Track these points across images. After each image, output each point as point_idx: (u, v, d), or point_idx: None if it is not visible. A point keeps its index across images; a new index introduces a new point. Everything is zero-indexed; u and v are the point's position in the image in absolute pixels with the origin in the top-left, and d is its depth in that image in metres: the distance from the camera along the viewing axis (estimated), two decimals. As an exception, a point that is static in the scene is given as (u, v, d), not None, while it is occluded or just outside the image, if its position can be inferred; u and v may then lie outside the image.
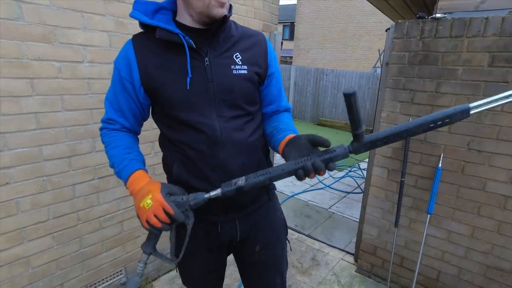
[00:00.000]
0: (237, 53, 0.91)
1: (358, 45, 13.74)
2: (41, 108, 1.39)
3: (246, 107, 0.93)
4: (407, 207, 2.05)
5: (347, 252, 2.66)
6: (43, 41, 1.33)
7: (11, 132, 1.32)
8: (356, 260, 2.49)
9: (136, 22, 1.14)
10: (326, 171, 0.76)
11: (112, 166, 0.91)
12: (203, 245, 1.01)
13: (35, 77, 1.34)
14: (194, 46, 0.84)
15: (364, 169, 4.91)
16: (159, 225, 0.79)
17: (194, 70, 0.85)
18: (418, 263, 1.98)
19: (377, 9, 3.06)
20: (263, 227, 1.05)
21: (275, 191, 1.13)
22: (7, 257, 1.42)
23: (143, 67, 0.86)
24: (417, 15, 1.85)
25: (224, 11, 0.84)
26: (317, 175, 0.76)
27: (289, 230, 2.95)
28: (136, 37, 0.89)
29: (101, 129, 0.97)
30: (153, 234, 0.84)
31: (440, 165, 1.86)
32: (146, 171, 0.90)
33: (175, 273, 2.18)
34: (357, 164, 5.31)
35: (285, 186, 4.18)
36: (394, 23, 1.95)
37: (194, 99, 0.86)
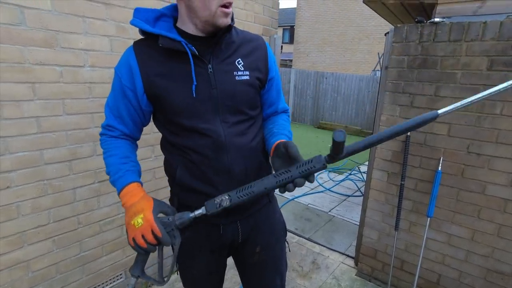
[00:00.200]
0: (239, 59, 0.92)
1: (357, 49, 13.79)
2: (42, 112, 1.40)
3: (249, 111, 0.94)
4: (407, 210, 2.05)
5: (348, 256, 2.66)
6: (45, 46, 1.34)
7: (13, 136, 1.33)
8: (356, 264, 2.49)
9: (137, 27, 1.14)
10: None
11: (108, 173, 0.92)
12: (205, 246, 1.02)
13: (37, 82, 1.35)
14: (197, 53, 0.85)
15: (364, 172, 4.91)
16: (144, 246, 0.80)
17: (198, 77, 0.86)
18: (419, 267, 1.98)
19: (376, 13, 3.08)
20: (263, 228, 1.06)
21: (274, 194, 1.14)
22: (7, 261, 1.42)
23: (145, 75, 0.87)
24: (416, 20, 1.87)
25: (229, 21, 0.85)
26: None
27: (289, 234, 2.97)
28: (137, 44, 0.89)
29: (100, 134, 0.98)
30: (141, 256, 0.84)
31: (439, 168, 1.86)
32: (141, 184, 0.90)
33: (175, 276, 2.18)
34: (357, 167, 5.31)
35: (285, 189, 4.17)
36: (393, 27, 1.96)
37: (198, 106, 0.87)
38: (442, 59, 1.79)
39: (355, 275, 2.40)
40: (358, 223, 2.62)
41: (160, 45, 0.83)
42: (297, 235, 2.99)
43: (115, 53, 1.59)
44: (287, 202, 3.79)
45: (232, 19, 0.89)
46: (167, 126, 0.93)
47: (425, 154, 1.94)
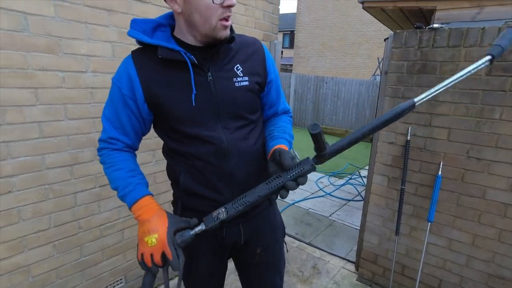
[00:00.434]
0: (238, 65, 0.93)
1: (357, 53, 13.86)
2: (44, 117, 1.41)
3: (249, 116, 0.95)
4: (408, 215, 2.05)
5: (348, 261, 2.65)
6: (47, 51, 1.35)
7: (15, 140, 1.34)
8: (357, 269, 2.48)
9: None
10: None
11: (115, 189, 0.90)
12: (207, 249, 1.03)
13: (39, 87, 1.36)
14: (196, 62, 0.85)
15: (364, 177, 4.91)
16: (149, 265, 0.80)
17: (198, 86, 0.87)
18: (419, 272, 1.97)
19: (375, 19, 3.11)
20: (264, 230, 1.08)
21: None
22: (8, 266, 1.42)
23: (145, 84, 0.87)
24: (415, 25, 1.88)
25: (228, 32, 0.86)
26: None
27: (290, 238, 2.96)
28: (135, 54, 0.90)
29: (100, 149, 0.95)
30: (148, 279, 0.83)
31: (440, 173, 1.87)
32: (152, 196, 0.90)
33: (176, 281, 2.17)
34: (357, 172, 5.31)
35: (285, 194, 4.17)
36: (392, 33, 1.98)
37: (199, 114, 0.88)
38: (441, 64, 1.81)
39: (356, 280, 2.39)
40: (358, 228, 2.61)
41: (160, 56, 0.83)
42: (298, 240, 2.98)
43: (117, 58, 1.61)
44: (287, 207, 3.79)
45: (232, 30, 0.89)
46: (170, 133, 0.93)
47: (425, 159, 1.94)
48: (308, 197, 4.16)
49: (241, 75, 0.92)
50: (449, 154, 1.85)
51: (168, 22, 0.92)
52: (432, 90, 0.77)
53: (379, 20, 3.10)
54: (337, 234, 3.17)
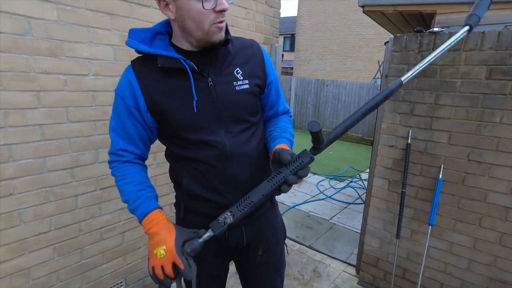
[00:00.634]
0: (237, 68, 0.93)
1: (358, 56, 13.90)
2: (46, 120, 1.42)
3: (251, 119, 0.96)
4: (409, 218, 2.05)
5: (349, 264, 2.64)
6: (50, 55, 1.36)
7: (16, 143, 1.34)
8: (358, 272, 2.47)
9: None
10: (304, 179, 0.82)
11: (125, 202, 0.91)
12: (210, 251, 1.03)
13: (41, 90, 1.37)
14: (196, 68, 0.86)
15: (365, 180, 4.90)
16: (161, 277, 0.80)
17: (199, 91, 0.87)
18: (421, 275, 1.97)
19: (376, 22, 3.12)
20: (266, 232, 1.09)
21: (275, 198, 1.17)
22: (8, 269, 1.42)
23: (147, 93, 0.87)
24: (415, 29, 1.89)
25: (223, 35, 0.86)
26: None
27: (290, 242, 2.95)
28: (135, 63, 0.90)
29: (110, 162, 0.96)
30: None
31: (440, 176, 1.87)
32: (161, 209, 0.91)
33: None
34: (358, 175, 5.30)
35: (286, 197, 4.17)
36: (392, 36, 1.99)
37: (202, 120, 0.89)
38: (441, 68, 1.81)
39: (357, 283, 2.38)
40: (359, 231, 2.61)
41: (159, 65, 0.84)
42: (298, 243, 2.97)
43: (119, 62, 1.62)
44: (288, 210, 3.78)
45: (227, 32, 0.89)
46: (173, 140, 0.94)
47: (425, 162, 1.94)
48: (309, 200, 4.15)
49: (241, 78, 0.93)
50: (450, 158, 1.85)
51: (165, 29, 0.93)
52: (417, 67, 0.82)
53: (379, 24, 3.12)
54: (338, 237, 3.16)
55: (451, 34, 1.75)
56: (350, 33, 13.94)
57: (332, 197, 4.29)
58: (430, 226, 1.91)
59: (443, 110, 1.84)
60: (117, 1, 1.55)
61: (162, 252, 0.80)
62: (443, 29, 1.81)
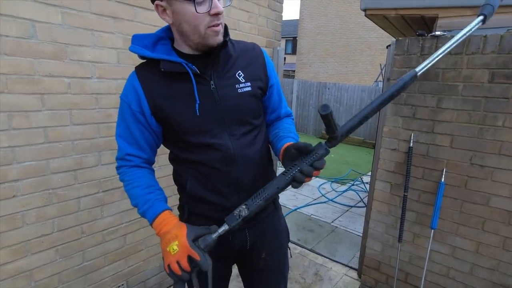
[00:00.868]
0: (239, 71, 0.94)
1: (359, 59, 13.92)
2: (49, 123, 1.43)
3: (253, 121, 0.97)
4: (411, 222, 2.04)
5: (351, 268, 2.63)
6: (54, 58, 1.38)
7: (20, 145, 1.35)
8: (359, 276, 2.46)
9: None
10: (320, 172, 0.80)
11: (135, 205, 0.92)
12: (213, 253, 1.03)
13: (46, 93, 1.38)
14: (198, 72, 0.87)
15: (367, 183, 4.89)
16: (179, 272, 0.80)
17: (202, 95, 0.88)
18: (423, 280, 1.96)
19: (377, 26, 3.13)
20: (269, 235, 1.09)
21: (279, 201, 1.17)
22: (10, 270, 1.43)
23: (151, 98, 0.89)
24: (417, 33, 1.90)
25: (220, 38, 0.86)
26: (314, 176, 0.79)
27: (291, 245, 2.94)
28: (139, 69, 0.92)
29: (118, 167, 0.97)
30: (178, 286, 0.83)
31: (443, 179, 1.86)
32: (171, 210, 0.91)
33: None
34: (360, 178, 5.29)
35: (287, 200, 4.16)
36: (394, 40, 1.99)
37: (205, 123, 0.89)
38: (443, 71, 1.81)
39: (359, 287, 2.37)
40: (361, 234, 2.60)
41: (162, 69, 0.85)
42: (300, 246, 2.97)
43: (122, 65, 1.63)
44: (289, 213, 3.78)
45: (227, 34, 0.90)
46: (177, 143, 0.95)
47: (428, 166, 1.94)
48: (310, 203, 4.14)
49: (243, 81, 0.94)
50: (452, 161, 1.85)
51: (168, 34, 0.94)
52: (431, 58, 0.79)
53: (381, 28, 3.13)
54: (340, 241, 3.15)
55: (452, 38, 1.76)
56: (352, 36, 13.96)
57: (334, 200, 4.28)
58: (433, 230, 1.91)
59: (445, 114, 1.84)
60: (121, 5, 1.56)
61: (175, 247, 0.80)
62: (445, 33, 1.81)
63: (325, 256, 2.80)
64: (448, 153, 1.86)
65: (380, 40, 12.75)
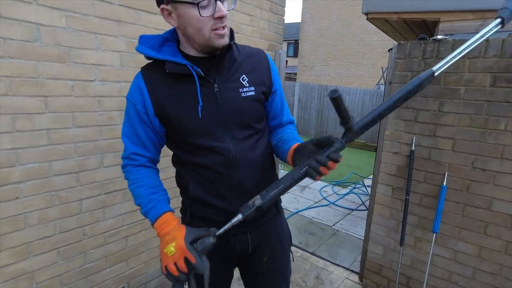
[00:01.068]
0: (243, 75, 0.95)
1: (361, 63, 13.92)
2: (52, 125, 1.44)
3: (256, 125, 0.97)
4: (412, 226, 2.03)
5: (352, 271, 2.62)
6: (58, 61, 1.39)
7: (23, 147, 1.36)
8: (361, 279, 2.45)
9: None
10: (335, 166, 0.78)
11: (138, 205, 0.93)
12: (215, 257, 1.03)
13: (49, 95, 1.39)
14: (203, 74, 0.88)
15: (368, 186, 4.88)
16: (176, 273, 0.80)
17: (205, 97, 0.89)
18: (425, 284, 1.95)
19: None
20: (271, 238, 1.08)
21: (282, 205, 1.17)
22: (12, 272, 1.43)
23: (155, 98, 0.90)
24: (419, 36, 1.90)
25: (226, 40, 0.87)
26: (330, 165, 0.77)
27: (293, 248, 2.93)
28: (145, 70, 0.93)
29: (123, 166, 0.99)
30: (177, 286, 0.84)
31: (444, 183, 1.86)
32: (173, 212, 0.92)
33: None
34: (361, 181, 5.28)
35: (289, 203, 4.16)
36: (396, 43, 2.00)
37: (207, 125, 0.90)
38: (445, 75, 1.82)
39: (360, 291, 2.36)
40: (362, 238, 2.59)
41: (167, 70, 0.86)
42: (301, 249, 2.96)
43: (125, 68, 1.64)
44: (291, 215, 3.77)
45: (232, 37, 0.91)
46: (180, 145, 0.95)
47: (429, 169, 1.93)
48: (312, 206, 4.14)
49: (247, 85, 0.94)
50: (454, 165, 1.85)
51: (174, 36, 0.95)
52: (449, 57, 0.76)
53: (383, 31, 3.13)
54: (341, 244, 3.14)
55: (454, 42, 1.76)
56: (354, 39, 13.98)
57: (335, 203, 4.27)
58: (434, 234, 1.90)
59: (447, 117, 1.84)
60: (125, 8, 1.58)
61: (172, 249, 0.80)
62: (447, 37, 1.82)
63: (326, 260, 2.79)
64: (450, 157, 1.86)
65: (382, 43, 12.76)
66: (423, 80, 0.75)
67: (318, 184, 5.05)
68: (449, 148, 1.85)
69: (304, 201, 4.30)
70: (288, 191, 4.58)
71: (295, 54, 19.16)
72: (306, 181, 5.16)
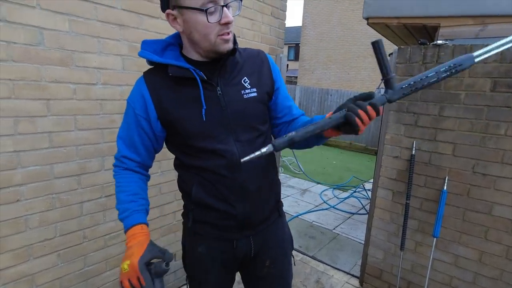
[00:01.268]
0: (245, 77, 0.96)
1: (362, 66, 13.95)
2: (54, 128, 1.44)
3: (259, 127, 0.97)
4: (413, 230, 2.03)
5: (352, 275, 2.61)
6: (60, 64, 1.40)
7: (25, 150, 1.37)
8: (361, 284, 2.44)
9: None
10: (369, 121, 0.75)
11: (117, 210, 0.94)
12: (218, 261, 1.03)
13: (51, 98, 1.40)
14: (205, 78, 0.88)
15: (368, 190, 4.87)
16: None
17: (208, 100, 0.90)
18: (425, 289, 1.94)
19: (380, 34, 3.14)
20: (273, 242, 1.08)
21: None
22: (13, 274, 1.43)
23: (158, 103, 0.90)
24: (419, 41, 1.91)
25: (230, 45, 0.88)
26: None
27: (293, 252, 2.92)
28: (147, 74, 0.94)
29: (114, 165, 1.00)
30: None
31: (445, 187, 1.86)
32: (146, 224, 0.93)
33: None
34: (362, 185, 5.27)
35: (289, 206, 4.15)
36: (396, 48, 2.01)
37: (211, 128, 0.90)
38: (445, 80, 1.82)
39: (360, 296, 2.35)
40: (363, 242, 2.58)
41: (170, 74, 0.86)
42: (301, 253, 2.95)
43: (127, 71, 1.65)
44: (291, 219, 3.76)
45: (235, 42, 0.92)
46: (183, 148, 0.96)
47: (430, 173, 1.94)
48: (312, 209, 4.13)
49: (249, 87, 0.95)
50: (454, 169, 1.85)
51: (177, 41, 0.96)
52: (493, 45, 0.74)
53: (383, 36, 3.15)
54: (341, 248, 3.13)
55: (454, 47, 1.77)
56: (355, 43, 14.02)
57: (336, 207, 4.27)
58: (435, 238, 1.90)
59: (447, 122, 1.84)
60: (127, 12, 1.59)
61: (126, 267, 0.83)
62: (447, 42, 1.83)
63: (326, 264, 2.78)
64: (450, 161, 1.86)
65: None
66: (462, 65, 0.73)
67: (319, 187, 5.04)
68: (450, 153, 1.86)
69: (305, 204, 4.29)
70: (290, 194, 4.58)
71: (296, 58, 19.23)
72: (307, 184, 5.15)
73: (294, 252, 3.02)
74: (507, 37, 0.74)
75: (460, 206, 1.85)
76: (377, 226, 2.20)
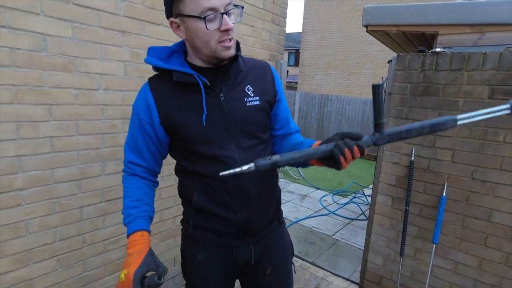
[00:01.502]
0: (248, 86, 0.97)
1: (361, 72, 14.03)
2: (56, 133, 1.45)
3: (261, 135, 0.99)
4: (412, 236, 2.03)
5: (352, 282, 2.60)
6: (63, 70, 1.41)
7: (27, 155, 1.38)
8: (361, 291, 2.43)
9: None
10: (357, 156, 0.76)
11: (122, 215, 0.96)
12: (218, 268, 1.03)
13: (53, 103, 1.41)
14: (209, 84, 0.90)
15: (368, 196, 4.87)
16: None
17: (211, 106, 0.91)
18: (425, 295, 1.93)
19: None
20: (274, 250, 1.09)
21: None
22: (12, 279, 1.43)
23: (161, 108, 0.92)
24: (418, 49, 1.93)
25: (232, 52, 0.90)
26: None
27: (293, 258, 2.91)
28: (152, 80, 0.96)
29: (122, 171, 1.03)
30: None
31: (444, 194, 1.86)
32: (148, 231, 0.94)
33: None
34: (361, 190, 5.27)
35: (289, 212, 4.15)
36: (396, 55, 2.03)
37: (213, 134, 0.92)
38: (444, 87, 1.84)
39: (360, 302, 2.34)
40: (362, 248, 2.58)
41: (175, 79, 0.88)
42: (301, 259, 2.94)
43: (128, 77, 1.66)
44: (290, 225, 3.76)
45: (238, 49, 0.93)
46: (185, 154, 0.97)
47: (429, 180, 1.94)
48: (312, 215, 4.12)
49: (252, 95, 0.97)
50: (453, 176, 1.86)
51: (182, 48, 0.98)
52: (472, 114, 0.79)
53: (383, 43, 3.18)
54: (341, 254, 3.12)
55: (453, 55, 1.79)
56: (354, 50, 14.12)
57: (335, 212, 4.26)
58: (434, 245, 1.90)
59: (446, 128, 1.85)
60: (129, 19, 1.61)
61: (123, 276, 0.84)
62: (445, 50, 1.85)
63: (326, 270, 2.78)
64: (449, 168, 1.87)
65: (382, 53, 12.88)
66: (445, 122, 0.77)
67: (318, 193, 5.04)
68: (449, 159, 1.87)
69: (304, 210, 4.29)
70: (289, 200, 4.58)
71: (296, 63, 19.33)
72: (307, 190, 5.15)
73: (294, 258, 3.01)
74: (493, 110, 0.81)
75: (459, 213, 1.86)
76: (376, 232, 2.20)
